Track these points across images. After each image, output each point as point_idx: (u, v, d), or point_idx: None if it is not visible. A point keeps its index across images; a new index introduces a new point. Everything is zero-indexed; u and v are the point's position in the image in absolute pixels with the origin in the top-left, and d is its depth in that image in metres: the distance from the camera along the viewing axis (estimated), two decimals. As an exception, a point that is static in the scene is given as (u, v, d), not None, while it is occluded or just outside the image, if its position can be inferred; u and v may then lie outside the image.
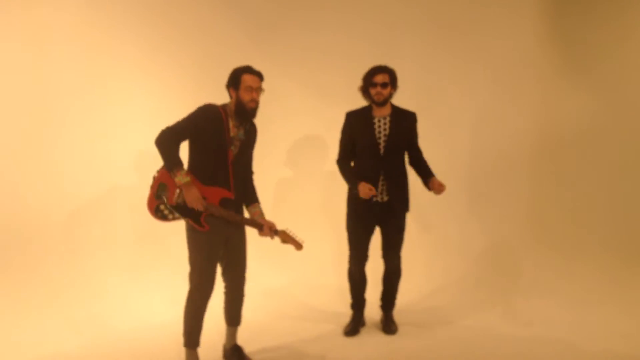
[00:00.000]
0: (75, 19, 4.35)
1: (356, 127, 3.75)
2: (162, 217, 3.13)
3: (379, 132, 3.69)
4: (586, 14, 4.97)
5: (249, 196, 3.34)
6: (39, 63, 4.24)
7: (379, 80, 3.63)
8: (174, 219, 3.13)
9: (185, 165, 3.15)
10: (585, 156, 5.07)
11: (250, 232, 3.37)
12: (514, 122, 5.16)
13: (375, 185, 3.67)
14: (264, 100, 3.26)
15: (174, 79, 4.68)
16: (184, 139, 3.14)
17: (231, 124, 3.15)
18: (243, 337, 3.65)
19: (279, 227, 3.34)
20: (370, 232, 3.85)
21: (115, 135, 4.51)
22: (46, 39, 4.26)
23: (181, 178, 3.03)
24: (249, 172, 3.37)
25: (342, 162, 3.84)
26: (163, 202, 3.11)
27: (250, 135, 3.26)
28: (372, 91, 3.66)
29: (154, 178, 3.14)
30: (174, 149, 3.07)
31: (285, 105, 4.88)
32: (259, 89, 3.17)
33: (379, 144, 3.68)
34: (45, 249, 4.25)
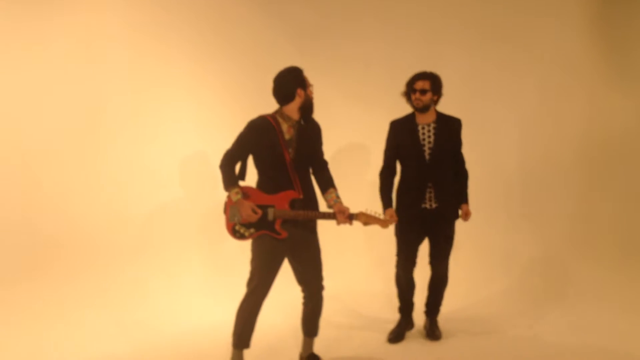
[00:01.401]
0: (123, 25, 4.46)
1: (401, 135, 3.76)
2: (240, 236, 3.22)
3: (424, 140, 3.69)
4: (632, 19, 4.87)
5: (324, 183, 3.33)
6: (87, 68, 4.35)
7: (418, 87, 3.64)
8: (250, 235, 3.21)
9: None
10: (633, 162, 4.94)
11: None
12: (560, 130, 5.09)
13: (423, 193, 3.69)
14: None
15: (220, 86, 4.78)
16: (240, 159, 3.26)
17: (285, 127, 3.21)
18: (287, 342, 3.69)
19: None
20: (419, 240, 3.84)
21: (162, 141, 4.61)
22: (94, 45, 4.36)
23: (234, 196, 3.16)
24: (319, 164, 3.36)
25: (385, 174, 3.83)
26: (238, 222, 3.21)
27: (307, 133, 3.26)
28: (412, 97, 3.68)
29: (225, 203, 3.25)
30: (228, 170, 3.21)
31: (328, 114, 4.90)
32: None
33: (424, 151, 3.68)
34: (91, 253, 4.37)
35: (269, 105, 3.33)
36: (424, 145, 3.68)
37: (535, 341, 3.88)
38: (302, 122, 3.25)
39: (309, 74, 3.31)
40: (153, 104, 4.59)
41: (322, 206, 3.34)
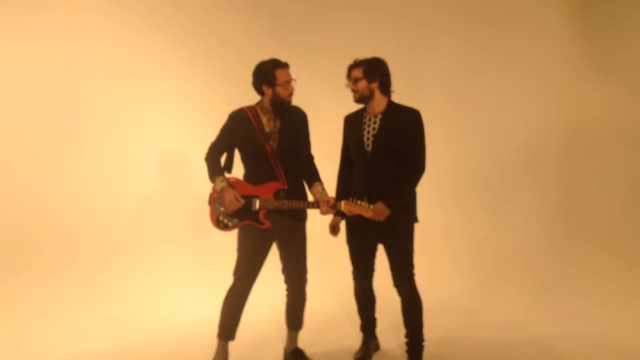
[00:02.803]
0: (103, 19, 4.42)
1: (349, 129, 3.37)
2: (224, 226, 3.23)
3: (368, 132, 3.24)
4: (616, 7, 4.84)
5: (309, 178, 3.33)
6: (68, 63, 4.31)
7: (351, 76, 3.24)
8: (234, 226, 3.22)
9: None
10: (616, 152, 4.93)
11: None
12: (544, 118, 5.07)
13: (362, 193, 3.19)
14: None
15: (202, 79, 4.75)
16: (224, 150, 3.29)
17: (264, 120, 3.20)
18: (271, 336, 3.65)
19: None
20: (369, 248, 3.37)
21: (145, 135, 4.59)
22: (75, 39, 4.32)
23: (218, 184, 3.18)
24: (305, 157, 3.35)
25: (340, 170, 3.46)
26: (222, 213, 3.21)
27: (290, 124, 3.23)
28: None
29: (210, 195, 3.26)
30: (213, 162, 3.26)
31: (312, 106, 4.88)
32: (291, 80, 3.18)
33: (367, 144, 3.22)
34: (75, 249, 4.35)
35: (251, 98, 3.30)
36: (367, 138, 3.22)
37: (519, 331, 3.91)
38: (280, 116, 3.22)
39: (291, 66, 3.24)
40: (135, 98, 4.58)
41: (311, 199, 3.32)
